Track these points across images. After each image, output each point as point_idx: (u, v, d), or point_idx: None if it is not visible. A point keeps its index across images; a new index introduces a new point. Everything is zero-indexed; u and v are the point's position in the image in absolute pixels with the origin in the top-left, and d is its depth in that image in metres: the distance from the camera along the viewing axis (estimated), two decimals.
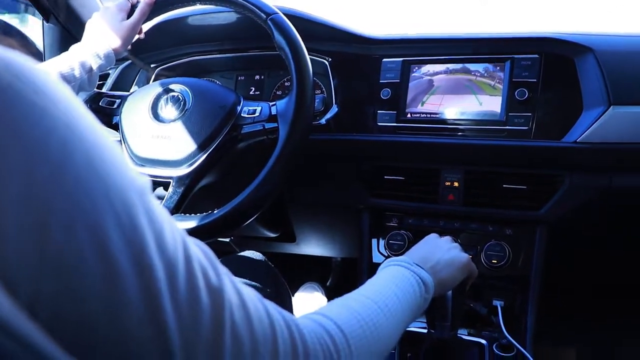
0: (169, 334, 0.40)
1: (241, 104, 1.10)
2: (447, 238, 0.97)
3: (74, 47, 1.14)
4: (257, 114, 1.07)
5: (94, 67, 1.12)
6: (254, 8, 1.07)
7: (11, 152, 0.34)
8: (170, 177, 1.06)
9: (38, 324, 0.35)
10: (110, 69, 1.43)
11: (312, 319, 0.56)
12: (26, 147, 0.34)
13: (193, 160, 1.05)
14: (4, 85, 0.35)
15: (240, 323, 0.45)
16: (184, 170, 1.05)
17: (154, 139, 1.08)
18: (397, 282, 0.74)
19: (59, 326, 0.36)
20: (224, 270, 0.47)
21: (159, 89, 1.12)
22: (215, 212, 1.01)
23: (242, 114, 1.09)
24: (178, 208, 1.05)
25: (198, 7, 1.21)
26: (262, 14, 1.07)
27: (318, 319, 0.56)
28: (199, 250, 0.46)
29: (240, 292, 0.47)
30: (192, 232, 0.99)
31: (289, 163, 1.01)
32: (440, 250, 0.88)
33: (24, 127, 0.34)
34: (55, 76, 0.97)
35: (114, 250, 0.37)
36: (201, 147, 1.05)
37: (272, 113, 1.07)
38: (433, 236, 0.97)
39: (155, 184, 1.08)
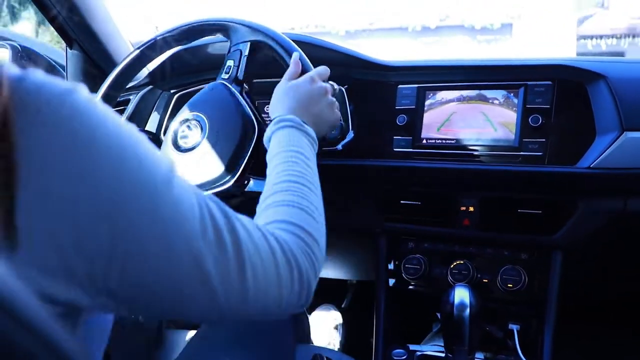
0: (208, 270, 0.53)
1: (256, 133, 1.08)
2: (320, 87, 0.99)
3: None
4: None
5: None
6: (279, 47, 1.10)
7: (77, 159, 0.45)
8: None
9: (108, 291, 0.48)
10: (130, 94, 1.46)
11: (286, 230, 0.67)
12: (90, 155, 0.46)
13: (221, 182, 1.06)
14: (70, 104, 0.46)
15: (251, 248, 0.58)
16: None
17: (181, 167, 1.08)
18: (303, 151, 0.85)
19: (126, 289, 0.49)
20: (231, 212, 0.59)
21: (177, 122, 1.12)
22: None
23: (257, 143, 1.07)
24: None
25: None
26: (285, 53, 1.08)
27: (291, 229, 0.68)
28: (214, 204, 0.57)
29: (244, 225, 0.59)
30: None
31: None
32: (316, 105, 0.96)
33: (85, 140, 0.46)
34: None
35: (163, 220, 0.50)
36: (229, 168, 1.06)
37: None
38: (307, 83, 0.99)
39: None
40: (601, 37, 10.58)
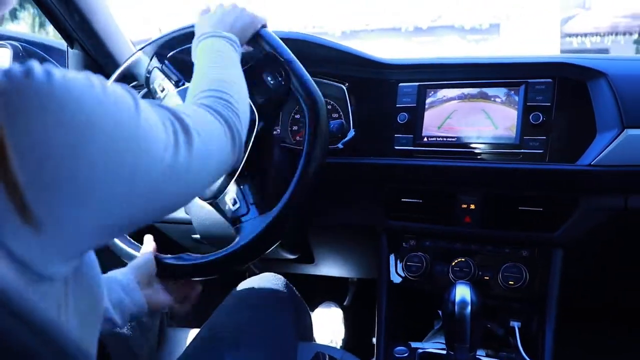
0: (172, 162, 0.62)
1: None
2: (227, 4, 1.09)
3: None
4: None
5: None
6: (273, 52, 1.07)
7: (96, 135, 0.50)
8: None
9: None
10: None
11: (208, 97, 0.83)
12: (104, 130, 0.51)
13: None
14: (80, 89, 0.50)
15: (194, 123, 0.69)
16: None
17: None
18: (232, 60, 0.96)
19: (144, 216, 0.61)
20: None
21: None
22: (234, 244, 1.03)
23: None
24: None
25: None
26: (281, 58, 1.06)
27: (211, 94, 0.84)
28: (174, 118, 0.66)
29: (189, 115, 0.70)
30: (219, 262, 1.02)
31: (306, 194, 1.03)
32: (231, 15, 1.04)
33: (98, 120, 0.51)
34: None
35: (155, 157, 0.58)
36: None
37: None
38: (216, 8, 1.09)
39: None
40: (585, 35, 11.05)
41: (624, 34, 10.94)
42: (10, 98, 0.45)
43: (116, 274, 0.99)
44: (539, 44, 10.39)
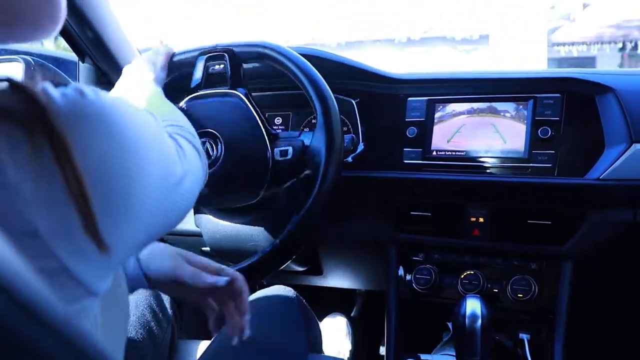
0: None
1: (269, 149, 1.10)
2: None
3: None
4: (289, 156, 1.09)
5: None
6: (292, 65, 1.10)
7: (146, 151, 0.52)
8: None
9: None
10: None
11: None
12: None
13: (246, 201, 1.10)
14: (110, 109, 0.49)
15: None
16: None
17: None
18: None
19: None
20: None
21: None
22: (254, 257, 1.04)
23: (275, 158, 1.09)
24: None
25: None
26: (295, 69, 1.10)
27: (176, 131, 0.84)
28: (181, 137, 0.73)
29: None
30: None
31: (324, 206, 1.04)
32: None
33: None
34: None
35: (175, 168, 0.61)
36: (251, 186, 1.08)
37: (305, 145, 1.09)
38: None
39: None
40: (572, 44, 11.73)
41: (609, 42, 11.56)
42: (73, 118, 0.45)
43: None
44: (527, 53, 11.00)
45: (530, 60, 11.06)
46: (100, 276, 0.49)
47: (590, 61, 11.94)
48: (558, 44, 11.81)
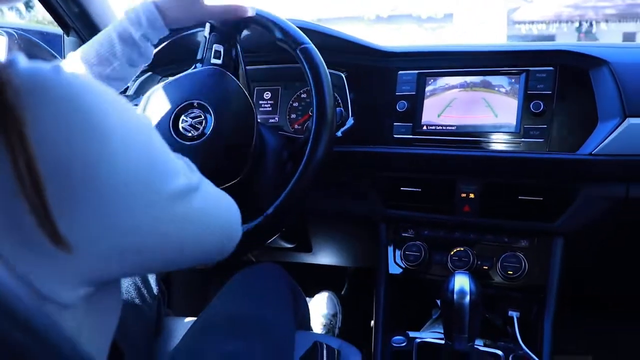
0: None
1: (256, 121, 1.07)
2: None
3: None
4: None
5: (136, 37, 1.01)
6: (285, 36, 1.07)
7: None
8: None
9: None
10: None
11: None
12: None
13: (232, 175, 1.04)
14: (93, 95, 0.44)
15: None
16: None
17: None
18: None
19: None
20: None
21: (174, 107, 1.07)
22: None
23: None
24: None
25: None
26: (293, 43, 1.06)
27: None
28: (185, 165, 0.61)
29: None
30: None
31: (311, 182, 1.02)
32: None
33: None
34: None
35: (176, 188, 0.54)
36: (238, 160, 1.04)
37: None
38: None
39: None
40: (532, 22, 12.23)
41: (567, 22, 12.06)
42: (36, 95, 0.41)
43: None
44: (488, 30, 11.73)
45: (491, 38, 11.96)
46: (64, 282, 0.44)
47: (549, 39, 12.30)
48: (519, 22, 12.33)
